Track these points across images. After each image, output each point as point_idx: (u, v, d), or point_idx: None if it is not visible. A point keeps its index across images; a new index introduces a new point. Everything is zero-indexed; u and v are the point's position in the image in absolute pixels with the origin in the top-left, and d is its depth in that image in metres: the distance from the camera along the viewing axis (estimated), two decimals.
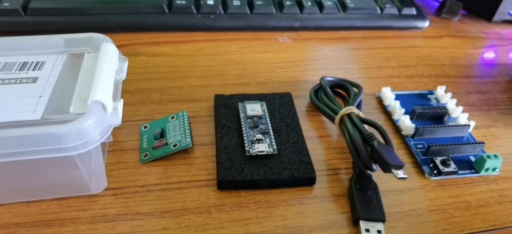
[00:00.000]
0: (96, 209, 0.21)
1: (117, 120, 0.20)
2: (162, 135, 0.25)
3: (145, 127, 0.26)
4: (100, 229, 0.20)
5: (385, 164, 0.20)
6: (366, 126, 0.25)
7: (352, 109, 0.25)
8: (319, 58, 0.34)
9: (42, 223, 0.20)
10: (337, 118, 0.25)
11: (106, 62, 0.21)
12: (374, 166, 0.22)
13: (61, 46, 0.24)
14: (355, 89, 0.29)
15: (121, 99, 0.21)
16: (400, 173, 0.20)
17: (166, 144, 0.24)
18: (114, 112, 0.20)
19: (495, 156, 0.25)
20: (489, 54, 0.37)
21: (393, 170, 0.20)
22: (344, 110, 0.25)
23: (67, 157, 0.18)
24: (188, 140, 0.24)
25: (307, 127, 0.27)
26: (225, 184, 0.22)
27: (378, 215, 0.21)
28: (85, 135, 0.18)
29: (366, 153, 0.22)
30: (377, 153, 0.21)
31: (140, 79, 0.30)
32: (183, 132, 0.24)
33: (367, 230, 0.21)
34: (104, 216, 0.21)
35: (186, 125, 0.25)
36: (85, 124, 0.18)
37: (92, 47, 0.23)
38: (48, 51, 0.23)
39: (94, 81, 0.20)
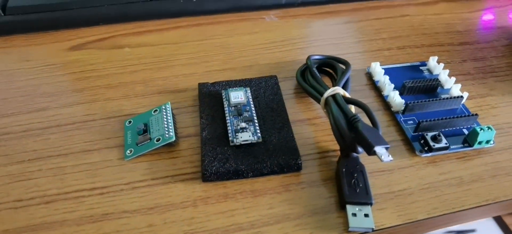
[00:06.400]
0: (83, 210, 0.21)
1: None
2: (146, 129, 0.24)
3: (129, 122, 0.26)
4: (87, 230, 0.20)
5: (368, 146, 0.20)
6: (353, 107, 0.24)
7: (337, 90, 0.24)
8: (307, 35, 0.33)
9: (31, 228, 0.21)
10: (322, 100, 0.24)
11: None
12: (359, 149, 0.21)
13: None
14: (343, 67, 0.28)
15: None
16: (385, 156, 0.19)
17: (150, 139, 0.24)
18: None
19: (489, 127, 0.24)
20: (487, 17, 0.36)
21: (377, 153, 0.19)
22: (329, 91, 0.24)
23: None
24: (171, 133, 0.24)
25: (295, 110, 0.27)
26: (209, 176, 0.22)
27: (365, 199, 0.21)
28: None
29: (349, 136, 0.21)
30: (360, 135, 0.20)
31: (124, 72, 0.30)
32: (166, 126, 0.24)
33: (354, 215, 0.20)
34: (91, 216, 0.21)
35: (169, 117, 0.25)
36: None
37: None
38: None
39: None
